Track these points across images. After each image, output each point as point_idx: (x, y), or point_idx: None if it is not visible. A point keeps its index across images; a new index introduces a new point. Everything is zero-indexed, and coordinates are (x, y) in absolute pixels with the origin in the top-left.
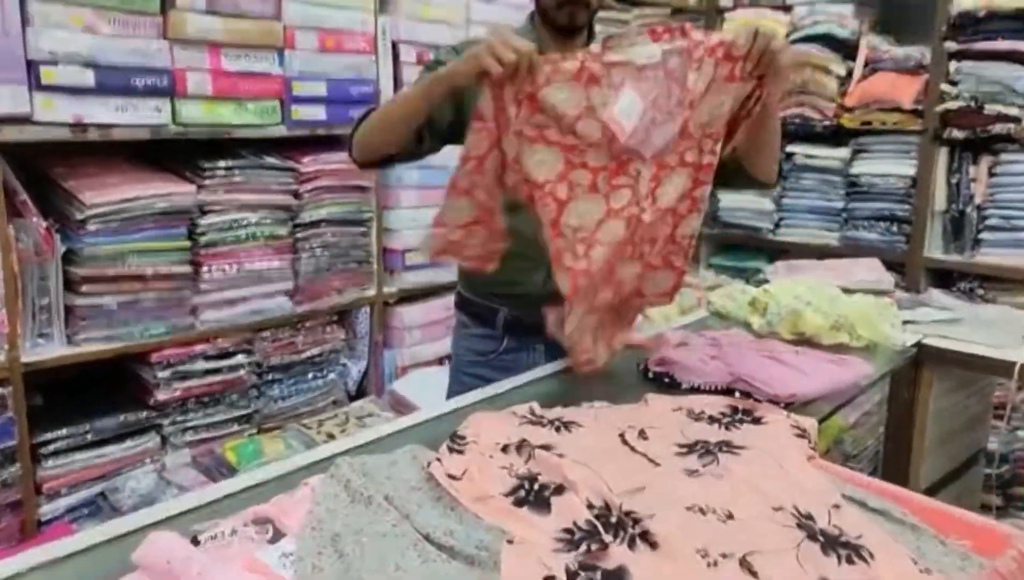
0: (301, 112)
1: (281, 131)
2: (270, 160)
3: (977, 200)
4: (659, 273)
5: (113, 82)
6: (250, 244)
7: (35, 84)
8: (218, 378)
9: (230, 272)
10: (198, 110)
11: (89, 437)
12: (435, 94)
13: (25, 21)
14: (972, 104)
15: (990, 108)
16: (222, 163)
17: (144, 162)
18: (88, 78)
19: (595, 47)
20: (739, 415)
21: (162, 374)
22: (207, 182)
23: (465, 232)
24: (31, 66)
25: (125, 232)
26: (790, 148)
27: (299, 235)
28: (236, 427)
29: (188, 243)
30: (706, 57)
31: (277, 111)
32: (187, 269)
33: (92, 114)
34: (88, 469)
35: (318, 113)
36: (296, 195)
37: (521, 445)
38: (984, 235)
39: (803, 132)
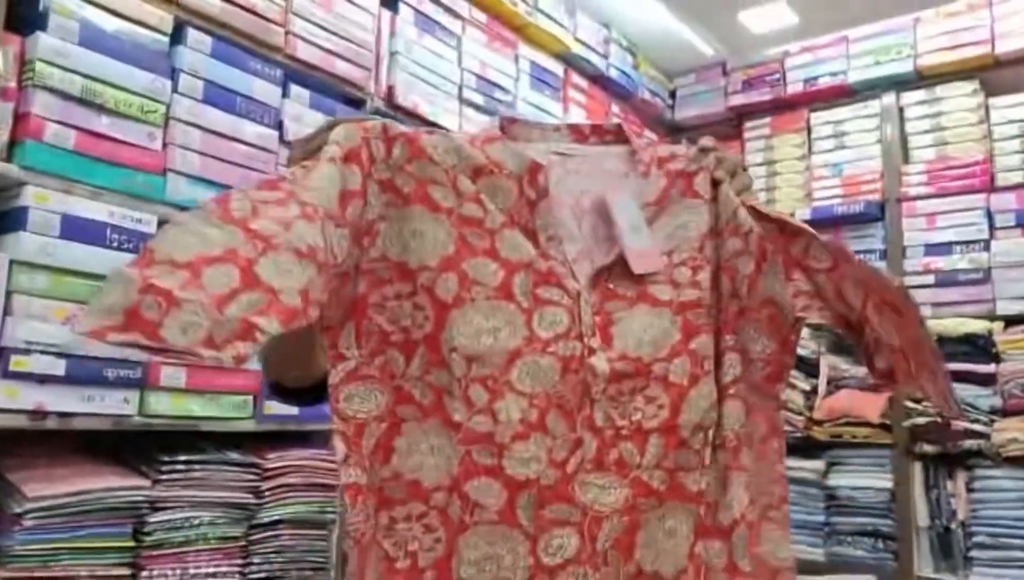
0: (274, 407)
1: (251, 425)
2: (233, 455)
3: (960, 516)
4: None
5: (84, 372)
6: (200, 545)
7: (2, 372)
8: None
9: (171, 577)
10: (167, 402)
11: None
12: None
13: (7, 312)
14: (939, 419)
15: (957, 424)
16: (183, 457)
17: (104, 451)
18: (59, 367)
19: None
20: None
21: None
22: (163, 477)
23: (200, 269)
24: (2, 353)
25: (64, 529)
26: None
27: (253, 537)
28: None
29: (132, 543)
30: (654, 168)
31: (249, 405)
32: (126, 572)
33: (55, 402)
34: None
35: (291, 408)
36: (256, 493)
37: None
38: (974, 553)
39: None
